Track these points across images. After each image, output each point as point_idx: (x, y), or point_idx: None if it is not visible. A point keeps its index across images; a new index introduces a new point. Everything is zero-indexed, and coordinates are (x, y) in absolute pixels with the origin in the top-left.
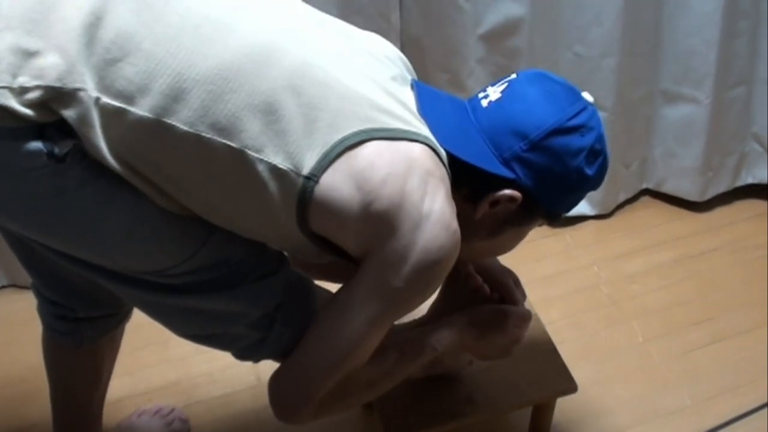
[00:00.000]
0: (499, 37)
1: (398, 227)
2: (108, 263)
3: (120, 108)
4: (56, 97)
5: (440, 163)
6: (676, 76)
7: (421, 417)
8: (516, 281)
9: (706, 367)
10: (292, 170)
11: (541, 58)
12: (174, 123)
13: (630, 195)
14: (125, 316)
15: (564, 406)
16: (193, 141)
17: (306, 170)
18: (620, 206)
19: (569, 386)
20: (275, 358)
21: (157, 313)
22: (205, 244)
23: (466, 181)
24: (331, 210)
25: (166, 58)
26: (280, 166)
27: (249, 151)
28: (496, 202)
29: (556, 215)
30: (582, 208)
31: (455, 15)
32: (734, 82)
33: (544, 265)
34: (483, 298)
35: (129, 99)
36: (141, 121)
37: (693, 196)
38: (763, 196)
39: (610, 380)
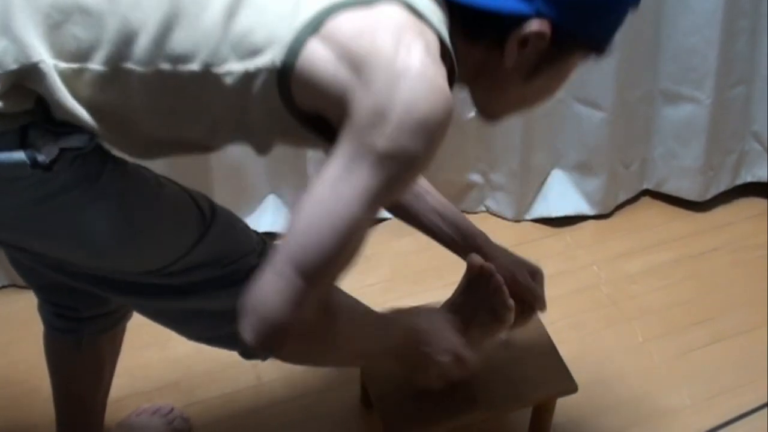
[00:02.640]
0: None
1: (373, 82)
2: (108, 267)
3: (77, 68)
4: (20, 77)
5: (418, 19)
6: (676, 76)
7: (421, 416)
8: (539, 275)
9: (706, 367)
10: (264, 67)
11: None
12: (132, 67)
13: (630, 195)
14: (126, 313)
15: (564, 406)
16: (157, 77)
17: (279, 58)
18: (620, 206)
19: (569, 386)
20: None
21: (163, 319)
22: (201, 240)
23: (485, 30)
24: (312, 83)
25: (107, 7)
26: (251, 69)
27: (213, 69)
28: (524, 41)
29: (597, 43)
30: (582, 207)
31: None
32: (734, 82)
33: (544, 265)
34: (503, 300)
35: (83, 57)
36: (101, 75)
37: (693, 195)
38: (763, 194)
39: (610, 380)
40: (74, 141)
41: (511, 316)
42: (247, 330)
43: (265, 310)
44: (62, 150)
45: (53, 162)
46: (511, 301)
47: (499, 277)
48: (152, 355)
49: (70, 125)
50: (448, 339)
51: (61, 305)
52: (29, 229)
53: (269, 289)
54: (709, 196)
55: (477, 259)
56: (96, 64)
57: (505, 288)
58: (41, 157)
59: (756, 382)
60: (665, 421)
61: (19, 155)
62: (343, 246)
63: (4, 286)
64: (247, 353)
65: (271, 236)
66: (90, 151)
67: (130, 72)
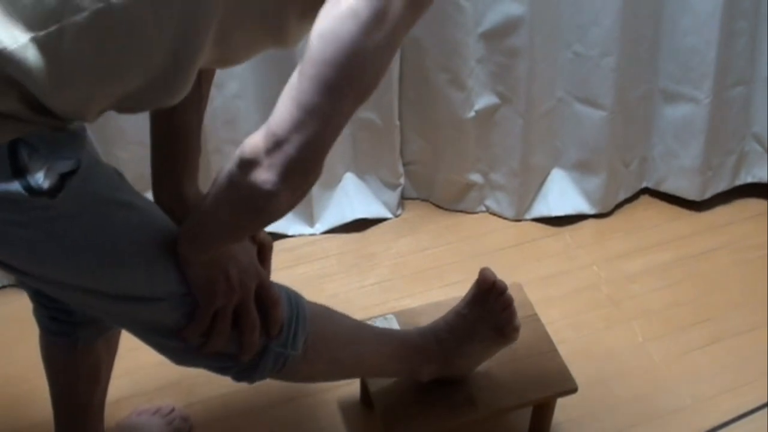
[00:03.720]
0: (499, 36)
1: None
2: (121, 288)
3: (54, 30)
4: None
5: None
6: (676, 76)
7: (421, 417)
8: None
9: (706, 367)
10: None
11: (541, 57)
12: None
13: (630, 194)
14: None
15: (564, 406)
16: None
17: None
18: (620, 205)
19: (569, 386)
20: (273, 373)
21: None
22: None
23: None
24: None
25: None
26: None
27: None
28: None
29: None
30: (582, 206)
31: (455, 15)
32: (734, 82)
33: (544, 265)
34: (510, 319)
35: (58, 15)
36: (85, 25)
37: (692, 195)
38: (763, 195)
39: (610, 380)
40: (67, 164)
41: (517, 336)
42: (251, 181)
43: (310, 134)
44: (62, 176)
45: (57, 190)
46: (519, 322)
47: (510, 296)
48: (152, 356)
49: (58, 141)
50: (256, 269)
51: (55, 309)
52: (43, 261)
53: (288, 128)
54: (707, 195)
55: (490, 273)
56: (77, 16)
57: (514, 307)
58: (37, 184)
59: (756, 382)
60: (665, 421)
61: (15, 186)
62: (363, 75)
63: (4, 286)
64: (238, 376)
65: (272, 237)
66: (86, 174)
67: (111, 6)
